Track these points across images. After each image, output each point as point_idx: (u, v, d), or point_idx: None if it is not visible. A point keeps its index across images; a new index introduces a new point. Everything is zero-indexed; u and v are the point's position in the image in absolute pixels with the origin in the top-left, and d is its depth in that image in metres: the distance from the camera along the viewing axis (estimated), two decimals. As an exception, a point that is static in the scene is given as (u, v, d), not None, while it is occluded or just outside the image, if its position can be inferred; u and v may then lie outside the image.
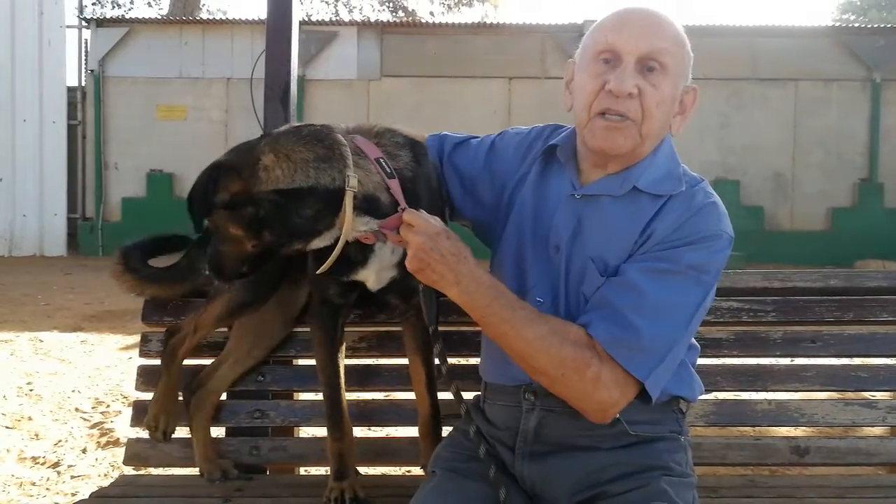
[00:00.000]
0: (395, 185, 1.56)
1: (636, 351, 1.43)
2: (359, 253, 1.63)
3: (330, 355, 1.81)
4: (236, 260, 1.61)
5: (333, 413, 1.82)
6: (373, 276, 1.68)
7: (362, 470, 2.19)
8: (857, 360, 2.12)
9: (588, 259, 1.53)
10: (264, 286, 1.96)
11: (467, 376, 1.92)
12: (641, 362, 1.43)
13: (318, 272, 1.62)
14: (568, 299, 1.55)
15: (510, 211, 1.68)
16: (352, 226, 1.53)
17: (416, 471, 2.03)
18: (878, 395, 2.27)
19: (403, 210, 1.52)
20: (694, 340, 1.63)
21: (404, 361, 2.04)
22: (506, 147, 1.77)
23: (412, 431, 1.97)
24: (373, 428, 2.59)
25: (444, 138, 1.86)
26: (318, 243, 1.58)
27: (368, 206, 1.55)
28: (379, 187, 1.57)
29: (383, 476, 2.44)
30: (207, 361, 2.08)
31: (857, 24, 17.09)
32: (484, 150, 1.78)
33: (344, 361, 1.87)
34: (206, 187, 1.52)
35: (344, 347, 1.87)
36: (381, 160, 1.59)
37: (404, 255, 1.49)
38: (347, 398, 1.86)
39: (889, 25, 14.43)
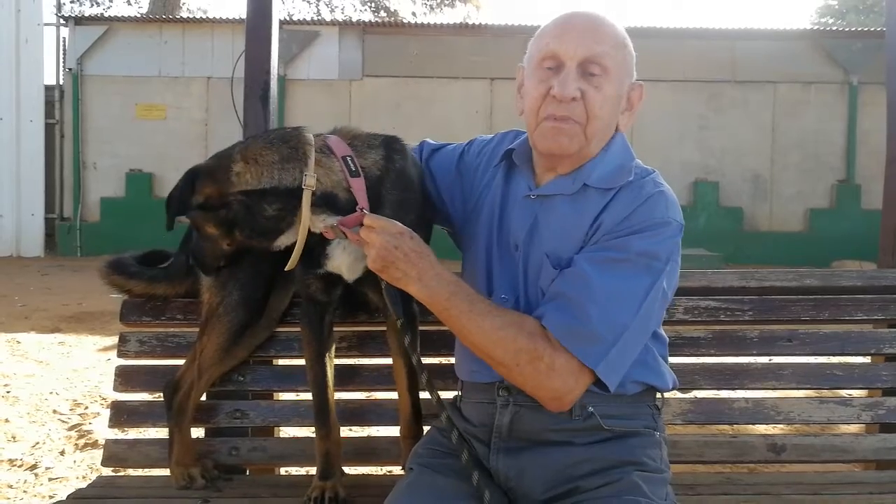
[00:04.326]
0: (357, 183, 1.62)
1: (586, 339, 1.46)
2: (321, 245, 1.69)
3: (317, 354, 1.84)
4: (215, 256, 1.76)
5: (319, 412, 1.84)
6: (345, 266, 1.72)
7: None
8: (832, 359, 2.15)
9: (543, 255, 1.58)
10: (259, 301, 1.97)
11: (446, 375, 1.92)
12: (591, 350, 1.46)
13: (285, 269, 1.69)
14: (528, 295, 1.60)
15: (479, 215, 1.74)
16: (310, 222, 1.62)
17: (398, 470, 2.03)
18: (854, 393, 2.31)
19: (362, 210, 1.58)
20: (662, 332, 1.67)
21: (385, 361, 2.05)
22: (473, 154, 1.84)
23: (393, 431, 1.97)
24: (353, 428, 2.58)
25: (423, 145, 1.94)
26: (285, 240, 1.67)
27: (330, 202, 1.62)
28: (339, 185, 1.63)
29: (364, 476, 2.43)
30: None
31: (835, 28, 17.24)
32: (455, 157, 1.86)
33: (333, 361, 1.89)
34: (183, 189, 1.64)
35: (333, 347, 1.89)
36: (348, 158, 1.64)
37: None
38: (328, 398, 1.87)
39: (866, 29, 14.58)
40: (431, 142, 1.95)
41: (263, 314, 2.00)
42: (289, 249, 1.68)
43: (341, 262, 1.71)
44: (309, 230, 1.63)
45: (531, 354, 1.46)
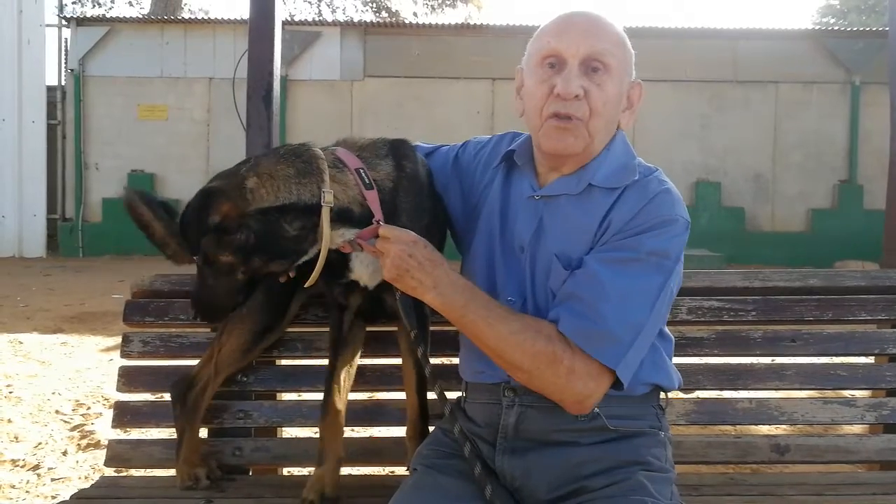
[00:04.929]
0: (372, 196, 1.61)
1: (604, 340, 1.46)
2: (340, 260, 1.68)
3: (333, 351, 1.87)
4: (230, 292, 1.63)
5: (324, 396, 1.87)
6: (366, 276, 1.72)
7: (346, 470, 2.19)
8: (836, 359, 2.15)
9: (552, 256, 1.57)
10: (282, 305, 1.96)
11: (452, 376, 1.92)
12: (610, 351, 1.46)
13: (305, 285, 1.66)
14: (536, 297, 1.60)
15: (479, 218, 1.73)
16: (330, 239, 1.59)
17: (400, 471, 2.03)
18: (857, 394, 2.30)
19: (378, 222, 1.58)
20: (668, 331, 1.67)
21: (388, 362, 2.05)
22: (469, 157, 1.84)
23: (396, 431, 1.97)
24: (357, 428, 2.58)
25: (415, 150, 1.91)
26: (303, 260, 1.63)
27: (347, 217, 1.61)
28: (355, 200, 1.62)
29: (368, 476, 2.43)
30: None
31: (836, 28, 17.24)
32: (450, 160, 1.86)
33: (356, 360, 1.92)
34: (199, 211, 1.55)
35: (358, 348, 1.92)
36: (361, 171, 1.63)
37: None
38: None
39: (868, 29, 14.58)
40: (423, 145, 1.94)
41: (286, 317, 1.99)
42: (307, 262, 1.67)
43: (362, 273, 1.72)
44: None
45: (550, 358, 1.46)
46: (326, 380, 1.87)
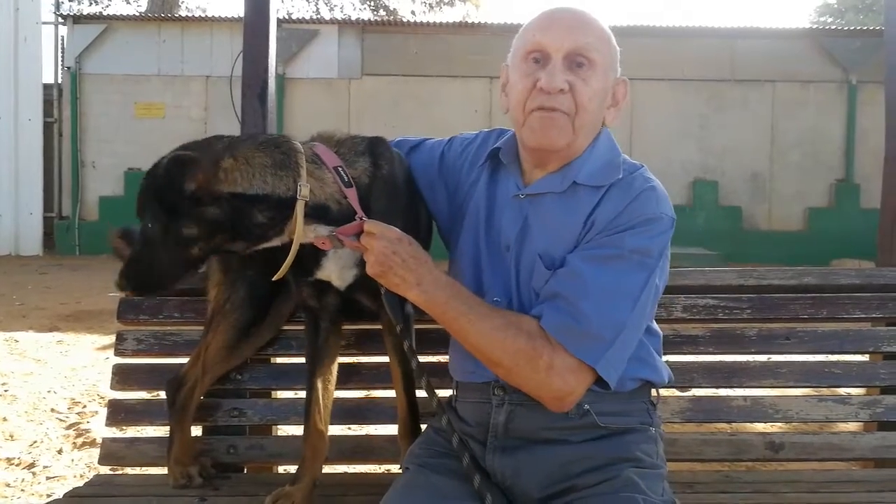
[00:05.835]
0: (351, 193, 1.60)
1: (585, 337, 1.46)
2: (312, 256, 1.66)
3: (310, 357, 1.84)
4: (175, 264, 1.53)
5: (305, 414, 1.84)
6: (335, 275, 1.70)
7: (341, 468, 2.19)
8: (830, 357, 2.15)
9: (536, 256, 1.57)
10: (265, 299, 1.95)
11: (443, 374, 1.92)
12: (591, 348, 1.46)
13: (273, 278, 1.64)
14: (521, 297, 1.60)
15: (464, 216, 1.72)
16: (302, 233, 1.56)
17: (396, 469, 2.03)
18: (852, 391, 2.31)
19: (361, 218, 1.56)
20: (655, 326, 1.67)
21: (383, 360, 2.04)
22: (455, 153, 1.83)
23: (391, 429, 1.97)
24: (352, 426, 2.59)
25: (400, 144, 1.91)
26: (266, 245, 1.60)
27: (322, 214, 1.58)
28: (332, 197, 1.60)
29: (363, 474, 2.43)
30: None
31: (834, 27, 17.26)
32: (436, 156, 1.85)
33: (335, 364, 1.88)
34: (172, 177, 1.46)
35: (335, 355, 1.88)
36: (340, 169, 1.61)
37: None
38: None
39: (865, 28, 14.58)
40: (408, 139, 1.93)
41: (269, 313, 1.99)
42: (281, 251, 1.64)
43: (331, 271, 1.70)
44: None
45: (529, 354, 1.46)
46: (307, 397, 1.83)
